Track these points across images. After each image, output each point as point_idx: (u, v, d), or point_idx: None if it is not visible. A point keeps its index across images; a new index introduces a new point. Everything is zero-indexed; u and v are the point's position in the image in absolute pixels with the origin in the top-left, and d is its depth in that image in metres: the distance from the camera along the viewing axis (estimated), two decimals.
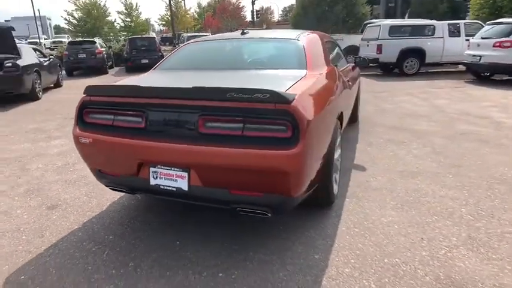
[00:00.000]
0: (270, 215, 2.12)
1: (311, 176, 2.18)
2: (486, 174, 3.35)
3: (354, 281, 1.97)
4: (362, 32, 13.73)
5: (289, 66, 2.72)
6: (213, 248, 2.29)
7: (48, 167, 3.88)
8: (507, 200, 2.84)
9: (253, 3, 35.88)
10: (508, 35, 8.53)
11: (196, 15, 50.53)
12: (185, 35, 22.30)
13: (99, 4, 26.45)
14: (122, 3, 28.74)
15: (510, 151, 3.96)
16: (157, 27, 45.96)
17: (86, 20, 25.79)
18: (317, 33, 3.44)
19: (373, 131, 4.96)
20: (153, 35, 29.72)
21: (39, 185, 3.40)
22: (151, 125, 2.14)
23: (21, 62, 7.63)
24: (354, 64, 4.45)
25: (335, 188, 2.84)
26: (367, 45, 11.76)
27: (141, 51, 14.19)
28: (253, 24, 36.85)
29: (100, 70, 13.64)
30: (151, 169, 2.18)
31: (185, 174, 2.10)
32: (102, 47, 14.45)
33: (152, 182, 2.19)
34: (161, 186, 2.17)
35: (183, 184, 2.12)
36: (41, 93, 8.40)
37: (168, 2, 26.08)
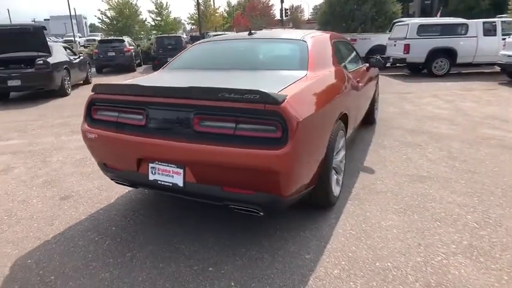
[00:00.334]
0: (262, 213, 2.16)
1: (303, 176, 2.19)
2: (502, 182, 3.20)
3: (340, 282, 1.96)
4: (391, 31, 13.38)
5: (290, 66, 2.74)
6: (207, 243, 2.35)
7: (67, 159, 4.09)
8: None
9: (282, 1, 35.77)
10: None
11: (225, 14, 51.02)
12: (211, 33, 22.61)
13: (131, 3, 27.31)
14: (153, 2, 29.55)
15: None
16: (188, 27, 46.78)
17: (118, 19, 26.72)
18: (326, 34, 3.42)
19: (390, 133, 4.85)
20: (182, 33, 30.30)
21: (57, 177, 3.61)
22: (150, 123, 2.23)
23: (51, 60, 8.08)
24: (368, 65, 4.36)
25: (336, 189, 2.82)
26: (394, 45, 11.44)
27: (167, 50, 14.52)
28: (281, 23, 36.70)
29: (128, 68, 14.12)
30: (150, 165, 2.28)
31: (181, 170, 2.18)
32: (130, 45, 14.95)
33: (151, 177, 2.29)
34: (159, 182, 2.26)
35: (178, 180, 2.19)
36: (70, 89, 8.84)
37: (196, 1, 26.50)
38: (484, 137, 4.54)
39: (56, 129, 5.54)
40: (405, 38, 10.73)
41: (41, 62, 7.81)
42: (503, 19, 11.37)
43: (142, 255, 2.25)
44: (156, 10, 29.72)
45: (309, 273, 2.04)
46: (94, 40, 24.46)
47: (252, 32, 3.32)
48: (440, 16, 16.06)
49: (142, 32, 28.27)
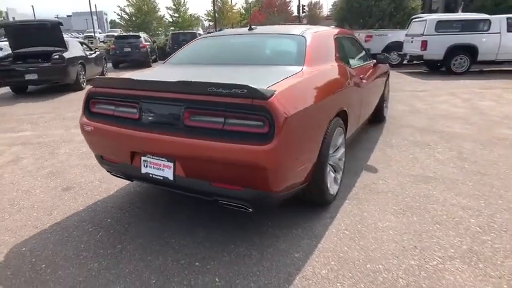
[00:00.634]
0: (251, 209, 2.13)
1: (293, 173, 2.15)
2: None
3: (327, 283, 1.92)
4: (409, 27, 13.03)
5: (286, 62, 2.68)
6: (198, 239, 2.34)
7: (74, 152, 4.18)
8: None
9: None
10: None
11: (243, 11, 50.97)
12: (226, 30, 22.68)
13: (149, 0, 27.68)
14: None
15: None
16: (206, 23, 47.03)
17: (137, 15, 27.15)
18: (329, 29, 3.34)
19: (399, 132, 4.72)
20: (200, 30, 30.48)
21: (62, 168, 3.68)
22: (143, 117, 2.23)
23: (67, 55, 8.27)
24: (375, 61, 4.24)
25: (334, 188, 2.77)
26: (411, 41, 11.13)
27: (182, 46, 14.58)
28: (298, 19, 36.40)
29: (144, 63, 14.30)
30: (142, 158, 2.29)
31: (171, 164, 2.17)
32: (146, 41, 15.13)
33: (143, 170, 2.30)
34: (150, 175, 2.27)
35: (169, 174, 2.19)
36: (84, 83, 9.02)
37: None
38: (500, 138, 4.36)
39: (67, 122, 5.66)
40: (422, 35, 10.42)
41: (57, 56, 8.02)
42: None
43: (132, 247, 2.26)
44: (173, 7, 30.02)
45: (296, 272, 2.00)
46: (113, 36, 24.92)
47: (252, 27, 3.29)
48: (462, 12, 15.53)
49: (160, 28, 28.61)
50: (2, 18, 33.90)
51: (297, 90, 2.18)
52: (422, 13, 17.75)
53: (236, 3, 57.71)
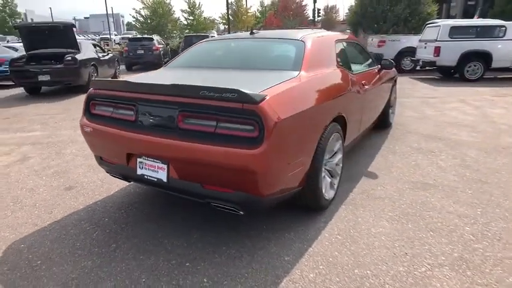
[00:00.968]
0: (242, 212, 2.16)
1: (284, 177, 2.17)
2: None
3: (313, 287, 1.93)
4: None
5: (283, 66, 2.71)
6: (191, 240, 2.38)
7: (80, 152, 4.28)
8: None
9: (314, 1, 35.41)
10: None
11: (258, 14, 51.19)
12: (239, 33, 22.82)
13: (165, 2, 28.09)
14: (186, 1, 30.20)
15: None
16: (222, 26, 47.45)
17: (152, 18, 27.58)
18: (331, 34, 3.35)
19: (404, 138, 4.68)
20: (214, 33, 30.76)
21: (67, 168, 3.79)
22: (139, 119, 2.29)
23: (79, 56, 8.48)
24: (380, 67, 4.23)
25: (330, 193, 2.77)
26: (425, 47, 11.00)
27: None
28: (313, 23, 36.33)
29: (157, 66, 14.47)
30: (138, 159, 2.34)
31: (165, 166, 2.22)
32: (159, 44, 15.36)
33: (138, 171, 2.35)
34: (145, 176, 2.32)
35: (163, 175, 2.24)
36: None
37: (226, 1, 26.81)
38: (505, 146, 4.28)
39: (76, 123, 5.79)
40: (436, 40, 10.29)
41: (69, 58, 8.22)
42: None
43: (126, 246, 2.31)
44: (188, 9, 30.38)
45: (284, 275, 2.02)
46: (128, 38, 25.38)
47: (254, 31, 3.33)
48: (479, 17, 15.26)
49: (175, 31, 28.98)
50: (21, 20, 34.88)
51: (290, 95, 2.20)
52: (438, 18, 17.52)
53: (251, 7, 58.02)
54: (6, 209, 2.87)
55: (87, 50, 9.11)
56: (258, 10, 53.47)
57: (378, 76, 4.11)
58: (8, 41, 20.62)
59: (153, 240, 2.38)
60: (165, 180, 2.23)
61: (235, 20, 37.21)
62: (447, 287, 1.91)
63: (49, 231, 2.53)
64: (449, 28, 10.21)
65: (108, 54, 10.74)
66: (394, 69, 4.90)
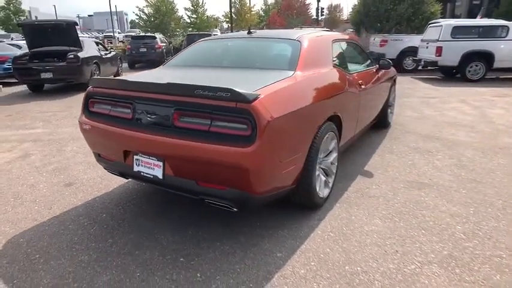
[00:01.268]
0: (235, 209, 2.20)
1: (277, 175, 2.21)
2: (506, 194, 3.04)
3: (304, 282, 1.97)
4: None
5: (278, 66, 2.75)
6: (186, 236, 2.43)
7: (80, 149, 4.34)
8: None
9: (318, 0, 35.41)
10: None
11: (262, 13, 51.12)
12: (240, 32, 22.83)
13: (168, 0, 28.10)
14: (189, 0, 30.22)
15: None
16: (225, 25, 47.43)
17: (155, 16, 27.62)
18: (328, 34, 3.39)
19: (402, 138, 4.71)
20: (217, 31, 30.77)
21: (67, 165, 3.85)
22: (136, 117, 2.34)
23: (81, 54, 8.54)
24: (378, 67, 4.25)
25: (324, 191, 2.81)
26: (427, 47, 10.98)
27: None
28: (317, 22, 36.28)
29: (159, 64, 14.49)
30: (135, 157, 2.39)
31: (160, 163, 2.27)
32: (162, 42, 15.42)
33: (135, 168, 2.40)
34: (141, 173, 2.37)
35: (158, 172, 2.29)
36: None
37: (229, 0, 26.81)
38: (502, 147, 4.30)
39: (77, 121, 5.86)
40: (438, 40, 10.27)
41: (72, 56, 8.29)
42: None
43: (122, 242, 2.37)
44: (192, 8, 30.39)
45: (276, 270, 2.07)
46: (131, 36, 25.46)
47: (251, 31, 3.37)
48: (482, 17, 15.19)
49: (178, 29, 29.00)
50: (25, 17, 35.00)
51: (283, 94, 2.24)
52: (442, 18, 17.45)
53: (255, 5, 57.99)
54: (6, 205, 2.94)
55: (89, 48, 9.18)
56: (261, 9, 53.38)
57: (375, 76, 4.14)
58: (12, 39, 20.76)
59: (149, 236, 2.43)
60: (160, 177, 2.28)
61: (238, 18, 37.20)
62: (435, 284, 1.94)
63: (48, 226, 2.59)
64: (451, 28, 10.19)
65: (110, 52, 10.81)
66: (393, 69, 4.93)
